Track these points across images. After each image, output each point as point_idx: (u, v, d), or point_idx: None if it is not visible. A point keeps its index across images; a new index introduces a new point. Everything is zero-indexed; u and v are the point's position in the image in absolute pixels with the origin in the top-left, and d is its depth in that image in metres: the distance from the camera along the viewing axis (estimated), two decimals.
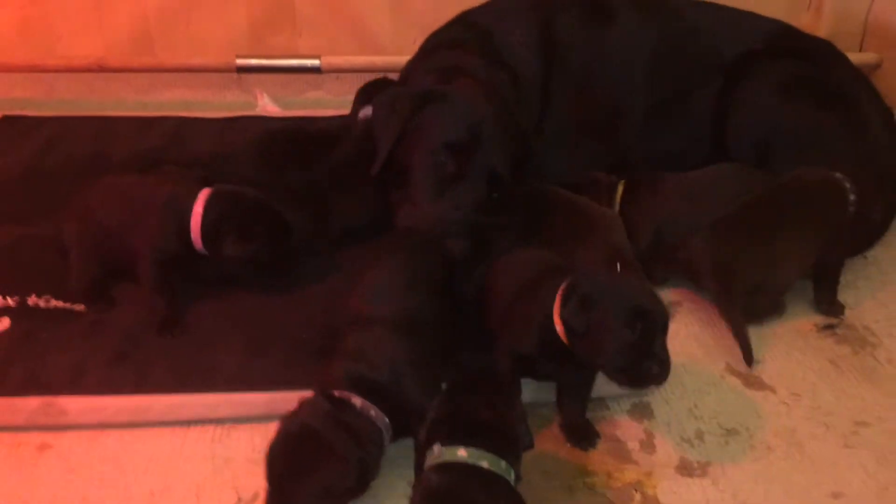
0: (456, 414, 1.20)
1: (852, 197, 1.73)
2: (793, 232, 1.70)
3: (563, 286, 1.34)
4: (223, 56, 2.52)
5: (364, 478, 1.26)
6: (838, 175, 1.74)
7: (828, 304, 1.77)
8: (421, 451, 1.21)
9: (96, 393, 1.47)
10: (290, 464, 1.22)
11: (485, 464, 1.12)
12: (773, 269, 1.70)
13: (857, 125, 1.91)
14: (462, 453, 1.12)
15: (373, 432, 1.28)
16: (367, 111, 1.91)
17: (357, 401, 1.28)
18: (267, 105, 2.61)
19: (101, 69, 2.46)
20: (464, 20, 2.04)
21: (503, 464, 1.14)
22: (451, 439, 1.14)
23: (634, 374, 1.28)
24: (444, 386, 1.35)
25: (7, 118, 2.45)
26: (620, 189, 1.87)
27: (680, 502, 1.34)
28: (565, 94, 1.97)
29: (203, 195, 1.64)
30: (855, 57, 2.49)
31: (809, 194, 1.73)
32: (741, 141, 1.93)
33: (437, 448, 1.15)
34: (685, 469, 1.41)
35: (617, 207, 1.86)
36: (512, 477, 1.16)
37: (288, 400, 1.44)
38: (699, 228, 1.73)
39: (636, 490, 1.37)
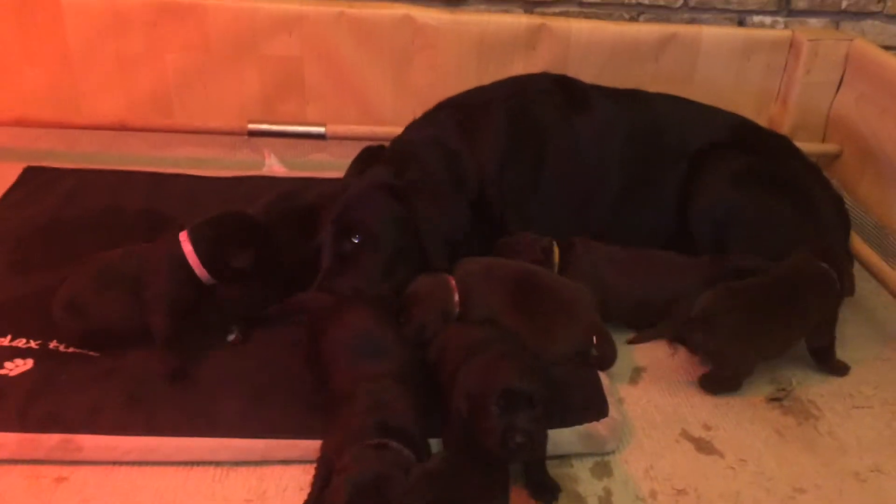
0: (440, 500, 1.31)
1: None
2: (784, 320, 1.89)
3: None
4: (236, 120, 2.71)
5: None
6: (825, 266, 1.92)
7: (837, 369, 1.96)
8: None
9: (110, 433, 1.61)
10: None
11: None
12: (755, 350, 1.89)
13: (808, 211, 2.11)
14: None
15: (410, 465, 1.44)
16: None
17: (393, 443, 1.45)
18: (274, 165, 2.81)
19: (123, 128, 2.65)
20: (444, 105, 2.24)
21: None
22: None
23: (502, 446, 1.43)
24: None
25: (30, 169, 2.62)
26: (556, 251, 2.03)
27: None
28: (535, 176, 2.16)
29: (183, 236, 1.82)
30: (817, 147, 2.73)
31: (805, 286, 1.91)
32: (702, 224, 2.12)
33: None
34: None
35: (556, 269, 2.02)
36: None
37: (281, 447, 1.62)
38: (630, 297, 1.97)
39: None
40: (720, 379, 1.90)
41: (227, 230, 1.84)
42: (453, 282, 1.90)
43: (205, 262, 1.81)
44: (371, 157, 2.25)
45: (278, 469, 1.61)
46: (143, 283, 1.81)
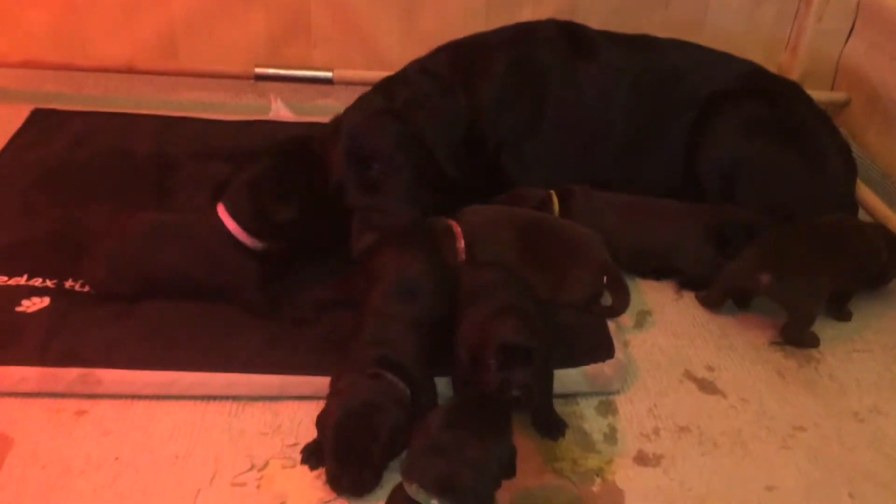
0: (438, 457, 1.31)
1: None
2: (839, 265, 1.92)
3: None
4: (242, 64, 2.70)
5: (408, 435, 1.45)
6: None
7: (844, 315, 1.99)
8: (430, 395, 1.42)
9: (128, 367, 1.65)
10: (361, 431, 1.44)
11: None
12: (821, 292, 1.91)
13: (816, 160, 2.12)
14: (434, 503, 1.27)
15: (406, 400, 1.51)
16: None
17: (388, 375, 1.51)
18: (280, 110, 2.80)
19: (130, 71, 2.64)
20: (447, 48, 2.23)
21: None
22: (429, 488, 1.27)
23: (500, 398, 1.48)
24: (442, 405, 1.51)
25: (38, 111, 2.62)
26: (556, 201, 2.05)
27: (634, 487, 1.55)
28: (536, 120, 2.16)
29: (221, 209, 1.81)
30: (826, 95, 2.72)
31: (855, 234, 1.96)
32: (709, 173, 2.13)
33: (414, 486, 1.29)
34: (641, 459, 1.61)
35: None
36: None
37: (295, 383, 1.67)
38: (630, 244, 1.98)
39: (597, 475, 1.56)
40: (799, 325, 1.90)
41: (264, 187, 1.79)
42: (458, 229, 1.92)
43: (249, 228, 1.78)
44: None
45: (293, 404, 1.66)
46: (206, 262, 1.80)
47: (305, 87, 2.81)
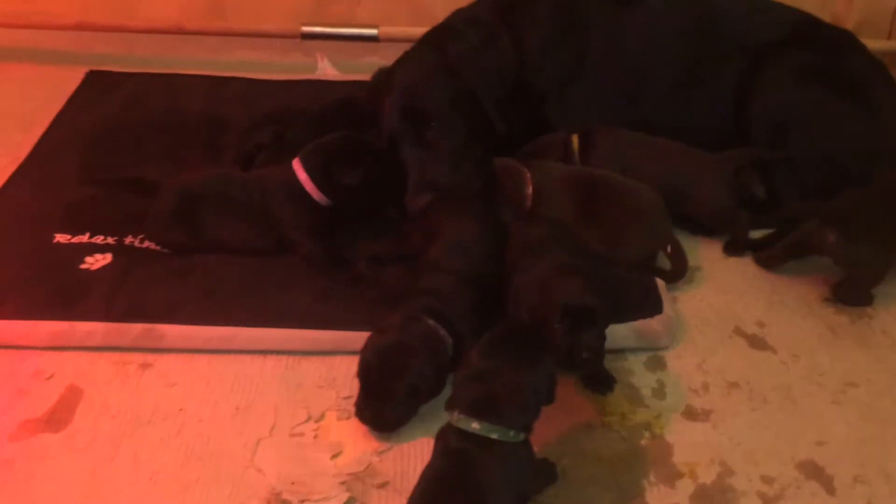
0: (479, 380, 1.34)
1: None
2: None
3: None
4: (288, 22, 2.72)
5: (440, 379, 1.55)
6: None
7: None
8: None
9: (190, 323, 1.72)
10: (386, 368, 1.51)
11: (494, 435, 1.31)
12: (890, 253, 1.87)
13: (869, 110, 2.07)
14: (475, 426, 1.31)
15: (443, 347, 1.57)
16: None
17: (431, 323, 1.57)
18: (327, 68, 2.82)
19: (179, 32, 2.68)
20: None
21: (511, 433, 1.32)
22: (468, 410, 1.31)
23: (569, 360, 1.49)
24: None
25: (93, 73, 2.68)
26: (576, 143, 2.04)
27: (683, 441, 1.56)
28: (580, 65, 2.15)
29: (297, 164, 1.89)
30: (882, 44, 2.64)
31: None
32: (759, 123, 2.09)
33: (455, 414, 1.33)
34: (690, 414, 1.63)
35: (578, 160, 2.03)
36: (522, 437, 1.34)
37: (348, 338, 1.71)
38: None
39: (646, 430, 1.59)
40: (857, 286, 1.88)
41: (336, 152, 1.91)
42: (528, 175, 1.92)
43: (319, 184, 1.89)
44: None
45: (347, 358, 1.69)
46: (272, 215, 1.90)
47: (351, 44, 2.81)
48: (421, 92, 1.97)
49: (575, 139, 2.05)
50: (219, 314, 1.73)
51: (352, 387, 1.63)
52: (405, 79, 2.00)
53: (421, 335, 1.56)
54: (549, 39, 2.14)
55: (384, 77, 2.07)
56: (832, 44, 2.17)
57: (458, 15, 2.18)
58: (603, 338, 1.54)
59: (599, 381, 1.67)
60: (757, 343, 1.80)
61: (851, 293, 1.88)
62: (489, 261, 1.76)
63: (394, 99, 1.97)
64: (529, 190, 1.89)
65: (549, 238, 1.72)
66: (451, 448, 1.32)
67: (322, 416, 1.59)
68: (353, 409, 1.57)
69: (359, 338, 1.69)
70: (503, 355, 1.37)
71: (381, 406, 1.53)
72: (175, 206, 1.89)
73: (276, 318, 1.74)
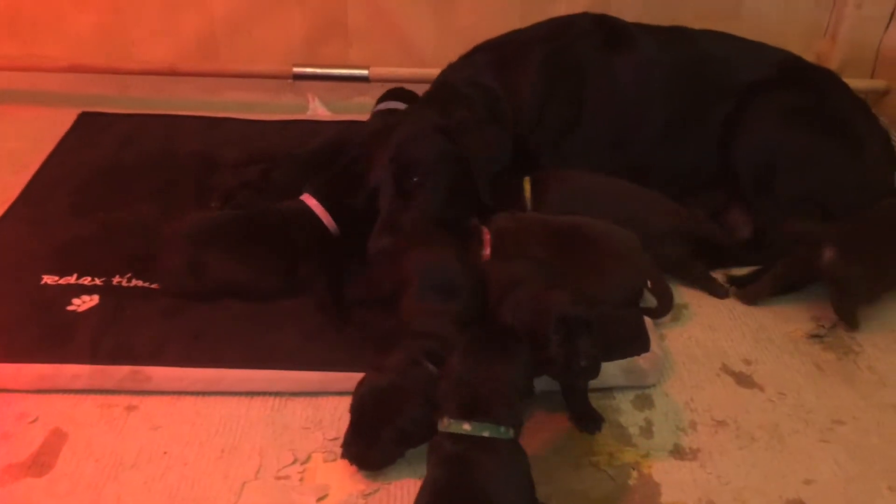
0: (462, 388, 1.40)
1: None
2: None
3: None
4: (280, 63, 2.76)
5: (432, 426, 1.50)
6: None
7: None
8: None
9: (177, 365, 1.71)
10: (379, 409, 1.50)
11: (486, 433, 1.35)
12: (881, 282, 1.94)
13: (854, 148, 2.10)
14: (466, 427, 1.36)
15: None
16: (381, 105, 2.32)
17: (432, 368, 1.55)
18: (318, 109, 2.85)
19: (173, 73, 2.71)
20: (485, 48, 2.26)
21: (502, 429, 1.37)
22: (457, 414, 1.38)
23: (567, 371, 1.51)
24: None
25: (85, 115, 2.71)
26: (528, 187, 2.05)
27: (671, 481, 1.56)
28: (574, 112, 2.18)
29: (307, 197, 2.00)
30: (865, 83, 2.69)
31: None
32: (747, 163, 2.11)
33: (445, 420, 1.38)
34: (678, 453, 1.62)
35: (529, 206, 2.03)
36: (512, 433, 1.38)
37: (335, 379, 1.71)
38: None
39: (634, 469, 1.58)
40: (843, 301, 1.90)
41: (341, 182, 2.05)
42: (487, 234, 1.93)
43: (331, 210, 2.00)
44: (397, 97, 2.35)
45: (333, 399, 1.69)
46: (289, 243, 1.95)
47: (342, 85, 2.85)
48: (412, 146, 1.98)
49: (526, 183, 2.06)
50: (206, 355, 1.73)
51: (339, 428, 1.63)
52: (403, 136, 2.01)
53: (419, 380, 1.54)
54: (544, 91, 2.16)
55: (383, 131, 2.08)
56: (816, 83, 2.20)
57: (459, 73, 2.20)
58: (598, 347, 1.53)
59: (587, 420, 1.67)
60: (744, 381, 1.80)
61: (838, 307, 1.90)
62: (475, 299, 1.75)
63: (386, 151, 1.99)
64: (487, 250, 1.90)
65: (528, 272, 1.73)
66: (446, 455, 1.35)
67: (308, 459, 1.58)
68: (339, 451, 1.56)
69: (346, 378, 1.70)
70: (479, 355, 1.44)
71: (368, 446, 1.52)
72: (191, 254, 1.89)
73: (264, 359, 1.74)
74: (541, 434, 1.63)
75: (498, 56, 2.21)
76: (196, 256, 1.88)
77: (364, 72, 2.73)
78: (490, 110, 2.12)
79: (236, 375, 1.71)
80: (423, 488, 1.35)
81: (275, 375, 1.71)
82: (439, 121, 2.03)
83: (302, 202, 2.01)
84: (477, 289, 1.76)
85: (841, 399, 1.75)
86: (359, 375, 1.66)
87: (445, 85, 2.20)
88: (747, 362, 1.85)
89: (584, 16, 2.33)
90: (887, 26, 2.67)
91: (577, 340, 1.49)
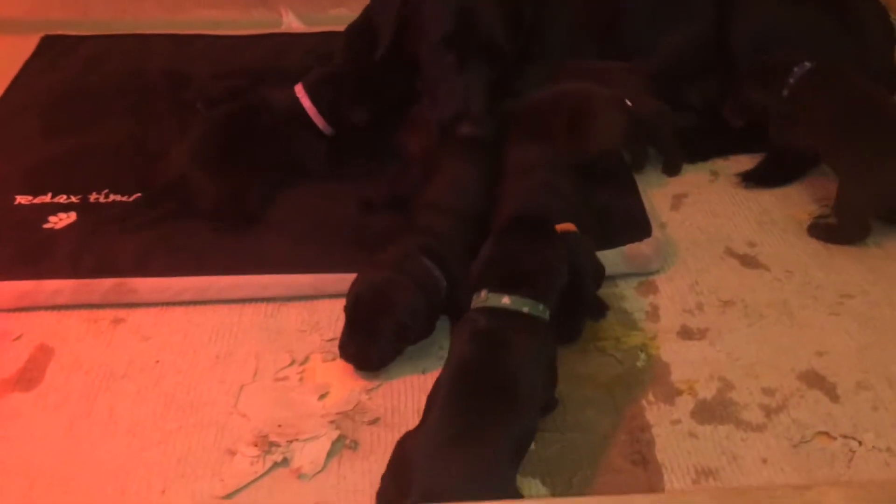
0: (502, 261, 1.37)
1: None
2: None
3: None
4: None
5: (430, 320, 1.50)
6: None
7: None
8: (468, 290, 1.39)
9: (162, 275, 1.64)
10: (376, 303, 1.44)
11: (525, 309, 1.30)
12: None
13: (853, 26, 2.02)
14: (506, 301, 1.30)
15: (436, 286, 1.50)
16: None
17: (427, 262, 1.51)
18: (292, 22, 2.73)
19: None
20: None
21: (541, 307, 1.32)
22: (497, 287, 1.32)
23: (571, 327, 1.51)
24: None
25: (48, 38, 2.57)
26: None
27: (679, 360, 1.52)
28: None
29: (300, 92, 1.90)
30: None
31: None
32: (743, 44, 2.03)
33: (483, 293, 1.32)
34: (685, 333, 1.58)
35: None
36: (548, 315, 1.34)
37: (329, 281, 1.65)
38: None
39: (641, 351, 1.54)
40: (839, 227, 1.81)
41: (344, 90, 1.92)
42: None
43: (326, 117, 1.91)
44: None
45: (329, 302, 1.63)
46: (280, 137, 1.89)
47: None
48: (471, 13, 1.83)
49: None
50: (192, 264, 1.66)
51: (336, 329, 1.57)
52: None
53: (416, 273, 1.49)
54: None
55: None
56: None
57: None
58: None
59: (591, 307, 1.62)
60: (749, 262, 1.75)
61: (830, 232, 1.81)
62: (485, 201, 1.70)
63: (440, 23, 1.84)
64: None
65: (540, 160, 1.72)
66: (479, 329, 1.29)
67: (306, 360, 1.53)
68: (338, 351, 1.51)
69: (340, 280, 1.63)
70: (519, 240, 1.40)
71: (367, 343, 1.47)
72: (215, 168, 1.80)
73: (253, 265, 1.67)
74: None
75: None
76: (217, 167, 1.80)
77: None
78: None
79: (225, 282, 1.64)
80: (446, 365, 1.30)
81: (266, 280, 1.65)
82: None
83: (293, 96, 1.92)
84: (488, 191, 1.72)
85: (849, 274, 1.71)
86: (353, 276, 1.61)
87: None
88: (752, 244, 1.80)
89: None
90: None
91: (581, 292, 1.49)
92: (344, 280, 1.62)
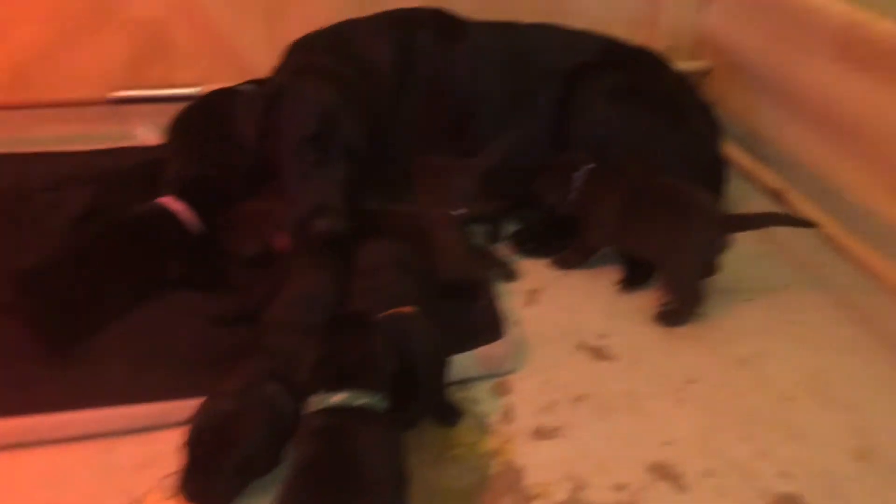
0: (328, 361, 1.36)
1: None
2: None
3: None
4: (100, 89, 2.59)
5: (277, 451, 1.43)
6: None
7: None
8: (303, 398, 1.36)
9: None
10: (218, 439, 1.37)
11: (360, 402, 1.30)
12: None
13: (679, 119, 2.16)
14: (339, 397, 1.29)
15: (284, 414, 1.43)
16: None
17: (272, 387, 1.45)
18: (146, 134, 2.69)
19: None
20: (326, 30, 2.21)
21: (378, 396, 1.32)
22: (329, 386, 1.31)
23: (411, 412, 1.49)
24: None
25: None
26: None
27: (534, 463, 1.51)
28: (419, 101, 2.17)
29: (170, 200, 1.92)
30: (689, 65, 2.79)
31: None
32: (581, 142, 2.13)
33: (315, 397, 1.31)
34: (540, 434, 1.58)
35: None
36: (385, 403, 1.33)
37: (170, 409, 1.56)
38: None
39: (496, 456, 1.53)
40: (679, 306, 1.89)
41: (207, 179, 2.00)
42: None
43: (198, 207, 1.93)
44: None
45: (169, 432, 1.52)
46: (144, 246, 1.87)
47: (172, 107, 2.69)
48: (332, 116, 1.89)
49: None
50: (16, 400, 1.54)
51: (177, 462, 1.48)
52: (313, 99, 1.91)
53: (260, 403, 1.43)
54: (399, 79, 2.15)
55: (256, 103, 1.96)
56: (635, 62, 2.28)
57: (304, 56, 2.12)
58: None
59: (445, 414, 1.60)
60: (600, 354, 1.79)
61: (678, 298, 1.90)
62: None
63: (299, 99, 1.91)
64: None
65: (388, 261, 1.71)
66: (317, 429, 1.28)
67: (145, 496, 1.44)
68: (177, 489, 1.42)
69: (183, 407, 1.54)
70: (340, 337, 1.40)
71: (208, 481, 1.38)
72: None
73: (87, 397, 1.57)
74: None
75: (343, 42, 2.16)
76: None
77: (194, 90, 2.60)
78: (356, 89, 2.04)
79: (53, 420, 1.53)
80: (291, 468, 1.25)
81: (100, 415, 1.55)
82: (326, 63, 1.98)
83: (158, 205, 1.92)
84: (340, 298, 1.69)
85: (692, 358, 1.77)
86: (198, 402, 1.53)
87: (307, 63, 2.07)
88: (602, 336, 1.84)
89: (421, 10, 2.34)
90: (703, 9, 2.80)
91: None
92: (187, 407, 1.54)
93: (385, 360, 1.38)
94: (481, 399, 1.66)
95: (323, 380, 1.34)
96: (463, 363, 1.68)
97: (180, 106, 2.64)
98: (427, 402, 1.54)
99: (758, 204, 2.31)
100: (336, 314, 1.49)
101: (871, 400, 1.65)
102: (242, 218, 1.95)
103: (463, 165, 2.06)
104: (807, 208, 2.15)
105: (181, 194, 1.95)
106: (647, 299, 1.96)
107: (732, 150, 2.45)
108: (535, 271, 2.06)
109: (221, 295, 1.87)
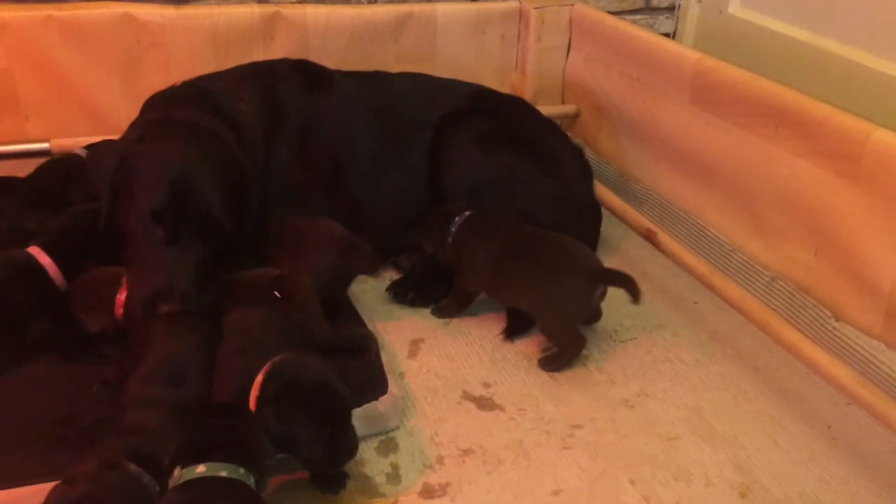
0: (192, 440, 1.28)
1: None
2: None
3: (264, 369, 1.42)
4: None
5: None
6: None
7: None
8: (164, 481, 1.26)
9: None
10: None
11: (224, 473, 1.20)
12: None
13: (549, 163, 2.19)
14: (201, 469, 1.20)
15: (145, 498, 1.30)
16: None
17: (134, 468, 1.31)
18: None
19: None
20: (186, 83, 2.10)
21: (241, 470, 1.22)
22: (190, 460, 1.22)
23: (330, 461, 1.44)
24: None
25: None
26: None
27: None
28: (289, 154, 2.10)
29: (36, 251, 1.79)
30: (557, 109, 2.88)
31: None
32: (453, 189, 2.14)
33: (177, 471, 1.21)
34: (427, 492, 1.53)
35: None
36: (252, 481, 1.24)
37: (20, 497, 1.41)
38: None
39: None
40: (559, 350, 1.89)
41: (75, 231, 1.86)
42: None
43: (63, 261, 1.80)
44: None
45: None
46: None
47: (22, 162, 2.51)
48: (186, 184, 1.72)
49: None
50: None
51: None
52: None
53: (118, 486, 1.29)
54: (268, 131, 2.07)
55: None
56: (503, 108, 2.31)
57: (171, 111, 1.94)
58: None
59: (330, 480, 1.52)
60: (485, 404, 1.77)
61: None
62: (205, 381, 1.54)
63: (148, 164, 1.74)
64: None
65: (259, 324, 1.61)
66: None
67: None
68: None
69: (35, 493, 1.40)
70: (204, 420, 1.36)
71: None
72: None
73: None
74: (281, 501, 1.46)
75: (205, 93, 2.03)
76: None
77: (45, 145, 2.44)
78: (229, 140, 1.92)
79: None
80: None
81: None
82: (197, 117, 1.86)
83: (26, 255, 1.78)
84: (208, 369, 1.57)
85: (577, 404, 1.77)
86: (50, 487, 1.39)
87: (165, 118, 1.92)
88: (486, 385, 1.82)
89: (284, 61, 2.28)
90: (567, 54, 2.89)
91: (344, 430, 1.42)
92: (40, 493, 1.39)
93: (259, 442, 1.30)
94: (367, 459, 1.60)
95: (184, 455, 1.25)
96: None
97: (29, 161, 2.50)
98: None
99: (632, 243, 2.38)
100: (206, 403, 1.41)
101: (749, 435, 1.69)
102: (87, 286, 1.78)
103: (323, 225, 1.98)
104: (677, 248, 2.22)
105: (50, 247, 1.80)
106: (530, 344, 1.96)
107: (604, 192, 2.51)
108: (418, 320, 2.03)
109: (87, 361, 1.72)
